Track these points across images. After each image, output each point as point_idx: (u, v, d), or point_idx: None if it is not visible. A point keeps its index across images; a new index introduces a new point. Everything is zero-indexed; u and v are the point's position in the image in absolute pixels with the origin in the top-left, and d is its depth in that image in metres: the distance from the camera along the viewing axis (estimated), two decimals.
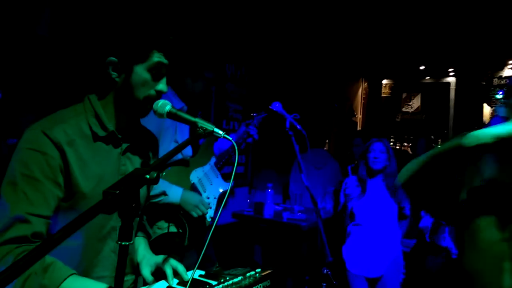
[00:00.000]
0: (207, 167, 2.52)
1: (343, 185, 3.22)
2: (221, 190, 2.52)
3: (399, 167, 3.01)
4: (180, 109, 2.27)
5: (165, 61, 1.25)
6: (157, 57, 1.23)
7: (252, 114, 2.72)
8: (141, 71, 1.22)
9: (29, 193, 1.10)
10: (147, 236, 1.57)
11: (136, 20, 1.25)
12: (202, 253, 1.14)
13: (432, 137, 8.28)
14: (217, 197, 2.51)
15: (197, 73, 2.41)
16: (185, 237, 2.29)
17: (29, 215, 1.09)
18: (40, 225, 1.11)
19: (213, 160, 2.57)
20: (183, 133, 2.35)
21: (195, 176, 2.44)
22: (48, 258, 1.09)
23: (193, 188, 2.40)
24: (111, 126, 1.26)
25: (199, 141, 2.51)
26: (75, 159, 1.17)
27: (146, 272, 1.35)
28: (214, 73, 4.23)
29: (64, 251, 1.07)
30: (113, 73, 1.22)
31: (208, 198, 2.46)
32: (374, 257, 3.00)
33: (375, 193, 3.08)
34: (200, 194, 2.41)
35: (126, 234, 0.90)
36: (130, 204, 0.90)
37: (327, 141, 6.98)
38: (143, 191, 1.37)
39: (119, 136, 1.28)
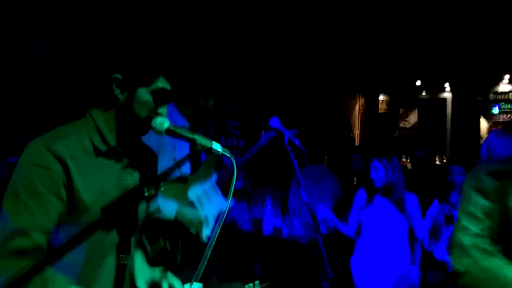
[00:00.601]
0: (207, 184, 2.51)
1: (355, 197, 3.25)
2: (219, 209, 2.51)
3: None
4: (182, 127, 2.31)
5: (169, 87, 1.27)
6: (161, 83, 1.25)
7: (261, 133, 2.71)
8: (144, 94, 1.23)
9: (31, 206, 1.11)
10: (145, 252, 1.56)
11: (147, 44, 1.27)
12: (202, 268, 1.14)
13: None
14: (215, 215, 2.50)
15: (211, 93, 2.45)
16: (177, 255, 2.27)
17: (30, 228, 1.09)
18: (40, 238, 1.11)
19: (214, 177, 2.56)
20: (182, 150, 2.36)
21: (194, 193, 2.42)
22: (48, 272, 1.09)
23: (191, 205, 2.39)
24: (112, 141, 1.27)
25: (201, 158, 2.52)
26: (77, 173, 1.17)
27: (141, 284, 1.35)
28: (220, 92, 4.28)
29: (64, 266, 1.07)
30: (116, 89, 1.24)
31: (206, 216, 2.44)
32: (381, 271, 3.00)
33: (382, 207, 3.09)
34: None
35: (124, 250, 0.91)
36: (128, 221, 0.90)
37: (325, 157, 7.00)
38: (141, 207, 1.38)
39: (120, 151, 1.29)
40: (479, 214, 1.43)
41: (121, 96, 1.25)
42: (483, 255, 1.40)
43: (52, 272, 1.10)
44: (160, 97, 1.26)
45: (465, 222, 1.47)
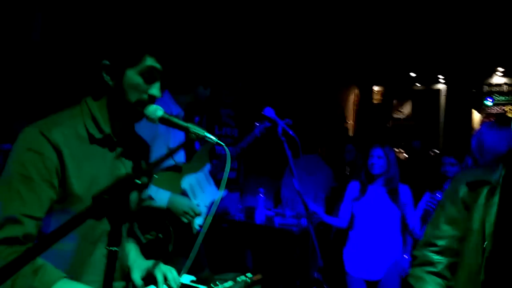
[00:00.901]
0: (200, 174, 2.50)
1: (347, 189, 3.28)
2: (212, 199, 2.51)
3: None
4: (177, 115, 2.30)
5: (157, 65, 1.24)
6: (149, 61, 1.22)
7: (255, 123, 2.70)
8: (132, 75, 1.22)
9: (23, 193, 1.10)
10: (138, 241, 1.56)
11: (128, 24, 1.26)
12: (192, 259, 1.14)
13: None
14: (208, 205, 2.50)
15: (209, 80, 2.45)
16: (169, 244, 2.28)
17: (22, 215, 1.09)
18: (31, 226, 1.11)
19: (207, 167, 2.55)
20: (177, 139, 2.35)
21: (187, 182, 2.42)
22: (39, 261, 1.09)
23: (184, 195, 2.39)
24: (107, 129, 1.26)
25: (196, 147, 2.51)
26: (71, 161, 1.17)
27: (136, 276, 1.35)
28: (217, 80, 4.26)
29: (54, 255, 1.07)
30: (106, 76, 1.23)
31: (199, 205, 2.44)
32: (374, 260, 3.03)
33: (376, 197, 3.12)
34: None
35: (115, 239, 0.90)
36: (119, 209, 0.90)
37: (319, 147, 7.01)
38: (133, 196, 1.37)
39: (115, 139, 1.28)
40: (442, 225, 1.46)
41: (111, 83, 1.23)
42: (422, 277, 1.46)
43: (42, 260, 1.09)
44: (150, 77, 1.24)
45: (428, 231, 1.51)
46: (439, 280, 1.43)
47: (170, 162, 2.34)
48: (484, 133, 1.98)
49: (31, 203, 1.11)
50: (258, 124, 2.65)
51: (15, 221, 1.08)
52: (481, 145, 1.97)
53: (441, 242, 1.45)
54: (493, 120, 2.05)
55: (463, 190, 1.41)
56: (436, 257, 1.45)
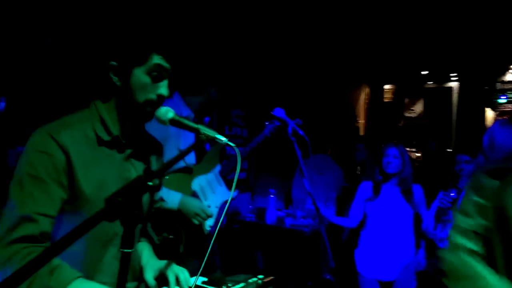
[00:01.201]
0: (210, 175, 2.51)
1: (358, 189, 3.26)
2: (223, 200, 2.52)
3: None
4: (186, 117, 2.31)
5: (165, 64, 1.24)
6: (156, 60, 1.22)
7: (265, 123, 2.69)
8: (140, 74, 1.22)
9: (35, 193, 1.13)
10: (151, 241, 1.57)
11: (134, 22, 1.26)
12: (205, 260, 1.14)
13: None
14: (218, 206, 2.50)
15: (221, 82, 2.46)
16: (180, 244, 2.29)
17: (36, 214, 1.12)
18: (46, 224, 1.14)
19: (218, 168, 2.56)
20: (187, 141, 2.36)
21: (197, 183, 2.43)
22: (55, 261, 1.11)
23: (194, 196, 2.40)
24: (115, 131, 1.27)
25: (206, 149, 2.52)
26: (79, 163, 1.19)
27: (149, 276, 1.36)
28: (229, 80, 4.28)
29: (66, 256, 1.08)
30: (114, 77, 1.23)
31: (209, 207, 2.44)
32: (387, 260, 3.01)
33: (389, 197, 3.10)
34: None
35: (128, 241, 0.91)
36: (132, 212, 0.90)
37: (329, 147, 6.98)
38: (146, 198, 1.38)
39: (123, 141, 1.29)
40: (472, 212, 1.44)
41: (119, 83, 1.24)
42: (468, 257, 1.40)
43: (59, 260, 1.11)
44: (157, 77, 1.24)
45: (458, 220, 1.48)
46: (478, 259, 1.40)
47: (180, 164, 2.35)
48: (495, 131, 1.97)
49: (44, 202, 1.13)
50: (267, 124, 2.65)
51: (31, 219, 1.11)
52: (492, 143, 1.95)
53: (472, 228, 1.42)
54: (506, 118, 2.03)
55: (485, 179, 1.41)
56: (469, 244, 1.41)
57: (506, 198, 1.34)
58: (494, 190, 1.38)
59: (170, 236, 2.27)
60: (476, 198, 1.43)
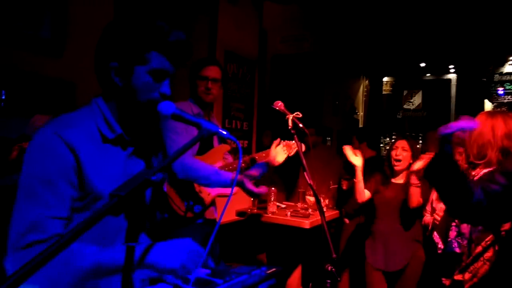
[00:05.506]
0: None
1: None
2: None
3: None
4: (197, 114, 2.34)
5: (167, 62, 1.23)
6: (157, 59, 1.21)
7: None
8: (142, 74, 1.21)
9: (45, 195, 1.11)
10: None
11: (134, 22, 1.24)
12: (207, 252, 1.15)
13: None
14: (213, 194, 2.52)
15: (227, 78, 2.47)
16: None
17: (47, 217, 1.10)
18: (58, 226, 1.12)
19: (218, 164, 2.57)
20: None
21: None
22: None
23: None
24: (119, 129, 1.27)
25: (212, 143, 2.54)
26: (87, 160, 1.18)
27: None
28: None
29: None
30: (115, 77, 1.22)
31: (210, 194, 2.48)
32: (393, 251, 3.04)
33: (397, 189, 3.12)
34: (196, 190, 2.43)
35: (133, 235, 0.92)
36: (136, 206, 0.91)
37: (329, 138, 6.99)
38: (149, 191, 1.39)
39: (127, 138, 1.29)
40: None
41: (121, 84, 1.22)
42: None
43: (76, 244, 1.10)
44: (159, 75, 1.23)
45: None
46: None
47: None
48: None
49: (54, 204, 1.12)
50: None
51: (42, 223, 1.09)
52: None
53: None
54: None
55: None
56: None
57: None
58: None
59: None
60: None
